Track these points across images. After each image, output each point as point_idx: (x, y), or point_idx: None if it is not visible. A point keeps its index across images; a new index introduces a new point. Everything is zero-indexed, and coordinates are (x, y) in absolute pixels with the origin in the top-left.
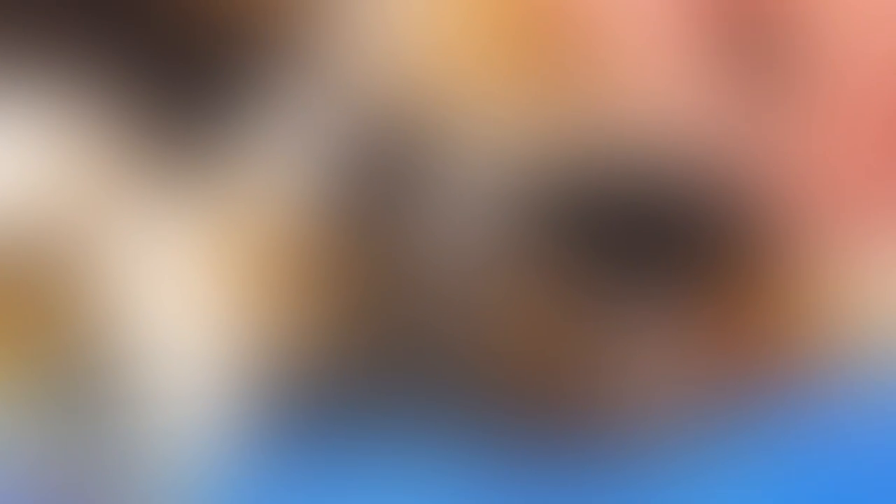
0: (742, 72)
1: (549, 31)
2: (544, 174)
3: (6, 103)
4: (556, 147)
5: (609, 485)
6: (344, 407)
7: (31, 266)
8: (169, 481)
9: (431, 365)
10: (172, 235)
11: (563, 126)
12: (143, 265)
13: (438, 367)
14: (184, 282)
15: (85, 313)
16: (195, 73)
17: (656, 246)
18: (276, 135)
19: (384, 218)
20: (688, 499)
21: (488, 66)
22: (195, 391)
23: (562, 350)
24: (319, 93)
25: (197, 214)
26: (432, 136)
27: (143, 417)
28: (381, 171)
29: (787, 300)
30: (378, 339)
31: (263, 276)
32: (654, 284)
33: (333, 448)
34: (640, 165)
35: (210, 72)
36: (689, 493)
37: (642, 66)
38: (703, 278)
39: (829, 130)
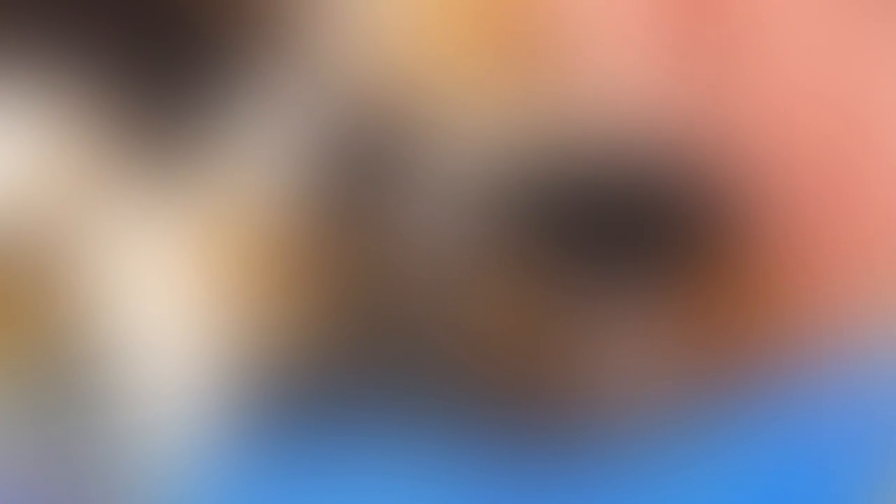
0: (715, 60)
1: (528, 19)
2: (525, 163)
3: None
4: (537, 136)
5: (592, 477)
6: (328, 401)
7: (15, 260)
8: (152, 476)
9: (415, 358)
10: (156, 228)
11: (544, 115)
12: (127, 259)
13: (422, 361)
14: (168, 275)
15: (69, 308)
16: (177, 66)
17: (638, 236)
18: (259, 126)
19: (367, 209)
20: (671, 491)
21: (469, 56)
22: (179, 386)
23: (546, 342)
24: (302, 84)
25: (180, 207)
26: (414, 126)
27: (127, 412)
28: (363, 161)
29: (765, 289)
30: (362, 331)
31: (247, 268)
32: (637, 275)
33: (318, 443)
34: (622, 155)
35: (193, 65)
36: (671, 485)
37: (621, 55)
38: (683, 268)
39: (802, 117)
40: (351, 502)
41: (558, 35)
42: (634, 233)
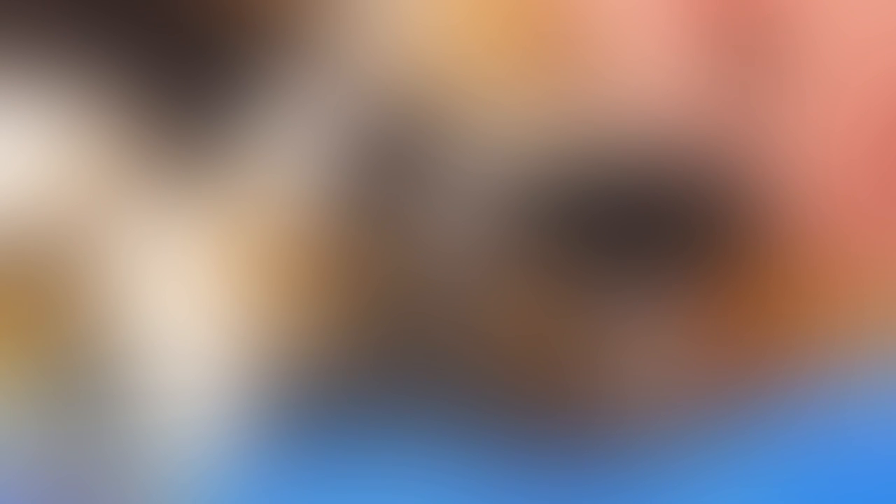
0: (743, 63)
1: (555, 19)
2: (552, 163)
3: (12, 99)
4: (563, 136)
5: (613, 480)
6: (350, 404)
7: (38, 262)
8: (172, 479)
9: (437, 361)
10: (179, 231)
11: (570, 115)
12: (148, 261)
13: (444, 363)
14: (190, 278)
15: (90, 310)
16: (201, 67)
17: (663, 237)
18: (284, 127)
19: (392, 210)
20: (689, 493)
21: (495, 56)
22: (199, 389)
23: (569, 343)
24: (327, 84)
25: (204, 209)
26: (440, 126)
27: (148, 415)
28: (388, 162)
29: (790, 292)
30: (384, 333)
31: (269, 271)
32: (660, 277)
33: (337, 446)
34: (648, 156)
35: (216, 66)
36: (690, 487)
37: (648, 55)
38: (707, 271)
39: (827, 121)
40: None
41: (585, 35)
42: (659, 234)
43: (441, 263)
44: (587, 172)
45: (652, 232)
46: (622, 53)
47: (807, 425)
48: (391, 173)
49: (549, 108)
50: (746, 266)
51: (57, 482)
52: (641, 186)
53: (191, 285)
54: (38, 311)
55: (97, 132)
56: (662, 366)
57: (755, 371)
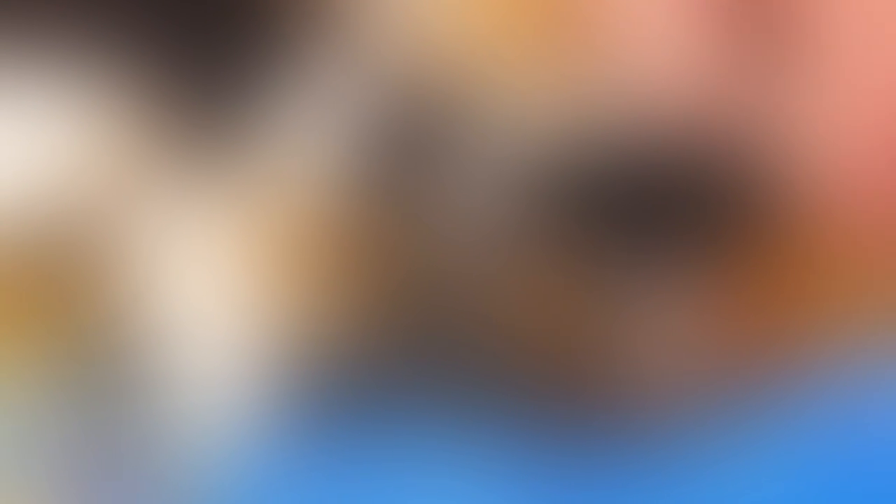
0: (757, 44)
1: (569, 2)
2: (568, 147)
3: (34, 87)
4: (579, 120)
5: (628, 462)
6: (372, 391)
7: (62, 249)
8: (198, 466)
9: (459, 346)
10: (200, 216)
11: (586, 99)
12: (171, 247)
13: (466, 349)
14: (212, 263)
15: (113, 296)
16: (223, 54)
17: (680, 222)
18: (304, 113)
19: (411, 194)
20: (706, 476)
21: (512, 40)
22: (222, 375)
23: (589, 326)
24: (346, 70)
25: (225, 195)
26: (457, 110)
27: (171, 401)
28: (407, 146)
29: (801, 275)
30: (406, 319)
31: (290, 257)
32: (678, 262)
33: (359, 432)
34: (665, 141)
35: (238, 53)
36: (706, 470)
37: (662, 39)
38: (726, 256)
39: (843, 102)
40: (395, 492)
41: (600, 18)
42: (675, 217)
43: (460, 247)
44: (603, 155)
45: (668, 215)
46: (637, 36)
47: (823, 409)
48: (409, 157)
49: (565, 92)
50: (762, 248)
51: (81, 468)
52: (657, 169)
53: (213, 271)
54: (62, 297)
55: (120, 119)
56: (680, 348)
57: (772, 353)
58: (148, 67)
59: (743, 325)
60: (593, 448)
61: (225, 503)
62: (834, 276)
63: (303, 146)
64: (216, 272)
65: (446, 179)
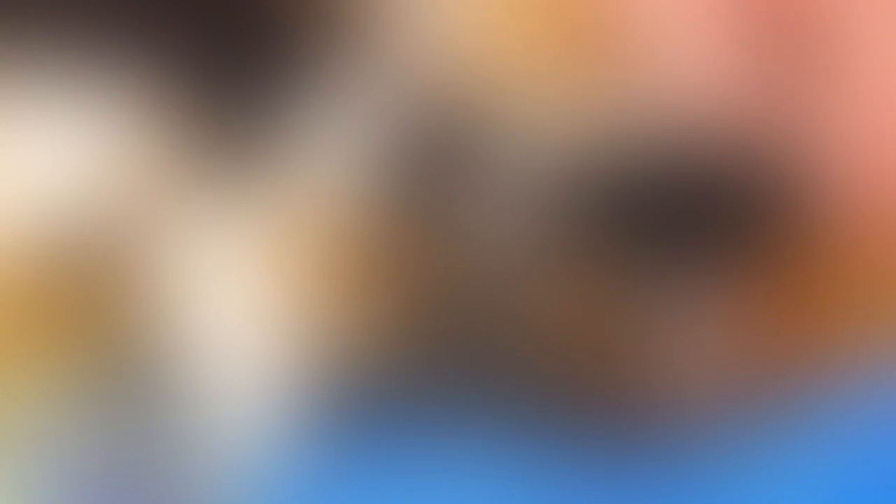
0: (781, 53)
1: (595, 13)
2: (594, 156)
3: (64, 98)
4: (604, 129)
5: (657, 475)
6: (401, 400)
7: (91, 259)
8: (228, 476)
9: (488, 354)
10: (231, 228)
11: (611, 109)
12: (200, 258)
13: (495, 356)
14: (240, 275)
15: (142, 307)
16: (250, 65)
17: (706, 230)
18: (331, 125)
19: (438, 205)
20: (733, 490)
21: (537, 50)
22: (254, 386)
23: (616, 334)
24: (372, 82)
25: (253, 207)
26: (483, 121)
27: (200, 412)
28: (433, 157)
29: (830, 282)
30: (435, 329)
31: (319, 268)
32: (704, 268)
33: (389, 441)
34: (689, 149)
35: (264, 64)
36: (734, 483)
37: (686, 48)
38: (751, 260)
39: (869, 110)
40: (424, 499)
41: (624, 28)
42: (701, 225)
43: (488, 257)
44: (629, 164)
45: (694, 222)
46: (661, 45)
47: (849, 419)
48: (435, 168)
49: (590, 102)
50: (790, 257)
51: (109, 479)
52: (682, 178)
53: (240, 282)
54: (90, 309)
55: (149, 130)
56: (705, 356)
57: (799, 362)
58: (176, 79)
59: (770, 333)
60: (621, 457)
61: None
62: (862, 284)
63: (330, 157)
64: (243, 283)
65: (473, 190)
